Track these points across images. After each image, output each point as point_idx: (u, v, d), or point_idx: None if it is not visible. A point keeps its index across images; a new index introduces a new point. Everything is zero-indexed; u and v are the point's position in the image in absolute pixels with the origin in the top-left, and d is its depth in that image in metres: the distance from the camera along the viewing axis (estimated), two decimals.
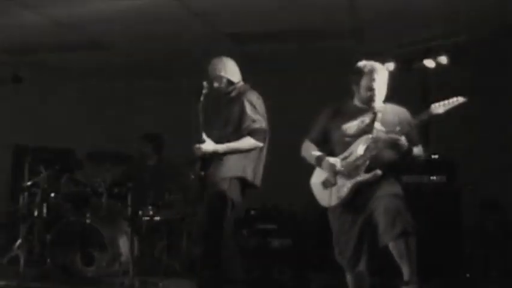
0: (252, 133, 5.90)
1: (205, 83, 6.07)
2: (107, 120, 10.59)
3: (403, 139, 5.06)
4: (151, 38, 8.44)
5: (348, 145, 5.22)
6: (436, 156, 7.34)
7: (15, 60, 9.77)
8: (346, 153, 5.21)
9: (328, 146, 5.43)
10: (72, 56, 9.46)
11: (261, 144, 5.97)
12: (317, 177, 5.41)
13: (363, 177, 5.10)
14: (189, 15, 7.52)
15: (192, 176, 6.32)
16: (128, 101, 10.59)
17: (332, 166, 5.19)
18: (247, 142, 5.91)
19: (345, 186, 5.16)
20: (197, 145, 5.95)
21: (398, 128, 5.09)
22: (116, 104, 10.65)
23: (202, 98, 6.02)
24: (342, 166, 5.19)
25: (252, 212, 7.55)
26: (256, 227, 7.45)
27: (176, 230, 8.20)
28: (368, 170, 5.11)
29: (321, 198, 5.37)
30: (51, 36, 8.48)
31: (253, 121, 5.91)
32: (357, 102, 5.36)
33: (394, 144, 5.10)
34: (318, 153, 5.38)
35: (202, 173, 6.04)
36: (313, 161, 5.39)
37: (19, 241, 8.30)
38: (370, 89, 5.20)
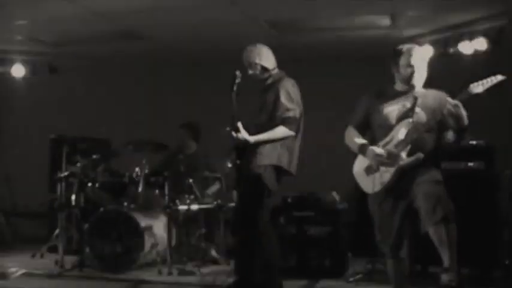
0: (284, 122, 5.89)
1: (237, 72, 6.04)
2: (144, 110, 10.61)
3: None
4: (188, 26, 8.42)
5: (389, 130, 5.16)
6: (474, 142, 7.24)
7: (51, 51, 9.81)
8: (387, 139, 5.15)
9: (370, 131, 5.38)
10: (108, 46, 9.48)
11: (293, 133, 5.96)
12: (360, 164, 5.35)
13: (405, 161, 5.05)
14: (226, 2, 7.48)
15: (229, 165, 6.31)
16: (164, 91, 10.61)
17: (377, 156, 5.12)
18: (279, 131, 5.91)
19: (387, 171, 5.10)
20: (232, 134, 5.93)
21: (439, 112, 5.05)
22: (153, 94, 10.67)
23: (235, 87, 6.00)
24: (385, 152, 5.13)
25: (289, 200, 7.52)
26: (293, 214, 7.42)
27: (213, 218, 8.27)
28: (409, 155, 5.05)
29: (364, 185, 5.31)
30: (87, 26, 8.50)
31: (287, 110, 5.90)
32: (397, 86, 5.29)
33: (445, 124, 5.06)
34: (361, 141, 5.32)
35: (238, 161, 6.02)
36: (356, 149, 5.33)
37: (57, 230, 8.39)
38: (410, 65, 5.13)
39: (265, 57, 6.14)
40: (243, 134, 5.91)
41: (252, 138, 5.91)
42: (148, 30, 8.73)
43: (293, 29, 8.53)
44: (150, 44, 9.31)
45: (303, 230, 7.31)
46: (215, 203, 8.10)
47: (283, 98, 5.90)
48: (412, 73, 5.15)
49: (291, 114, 5.90)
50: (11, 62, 10.33)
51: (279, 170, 5.97)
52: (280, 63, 6.21)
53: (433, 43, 8.26)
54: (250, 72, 6.15)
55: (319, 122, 8.53)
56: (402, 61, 5.18)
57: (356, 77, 9.23)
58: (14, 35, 9.12)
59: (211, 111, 8.98)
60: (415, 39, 7.48)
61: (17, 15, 8.12)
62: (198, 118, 9.00)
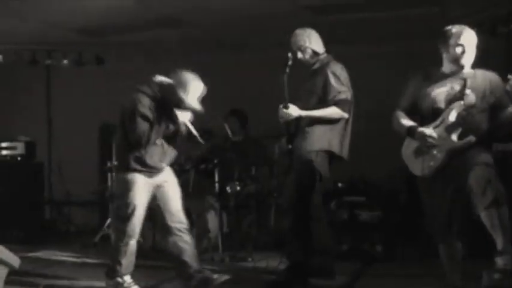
0: (338, 104, 5.93)
1: (290, 55, 6.10)
2: None
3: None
4: (230, 12, 8.47)
5: (438, 113, 5.18)
6: None
7: (97, 41, 9.96)
8: (437, 121, 5.16)
9: (419, 114, 5.39)
10: (152, 33, 9.57)
11: (346, 115, 6.00)
12: (409, 147, 5.38)
13: (456, 144, 5.06)
14: None
15: (279, 150, 6.37)
16: (211, 77, 10.67)
17: (428, 137, 5.14)
18: (333, 111, 5.94)
19: (437, 154, 5.11)
20: (282, 110, 6.00)
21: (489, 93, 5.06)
22: (202, 80, 10.73)
23: (287, 70, 6.06)
24: (435, 133, 5.15)
25: (340, 185, 7.56)
26: (344, 199, 7.46)
27: (264, 204, 8.33)
28: (460, 137, 5.07)
29: (413, 168, 5.34)
30: (131, 15, 8.60)
31: (339, 92, 5.94)
32: (445, 68, 5.30)
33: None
34: (409, 123, 5.34)
35: (289, 147, 6.08)
36: (405, 132, 5.36)
37: (109, 220, 8.53)
38: (459, 45, 5.13)
39: (315, 41, 6.19)
40: (292, 110, 5.97)
41: (303, 113, 5.96)
42: (189, 17, 8.77)
43: (330, 10, 8.52)
44: (192, 30, 9.37)
45: (355, 215, 7.34)
46: (265, 188, 8.16)
47: (333, 81, 5.94)
48: (462, 53, 5.15)
49: (343, 96, 5.95)
50: (59, 54, 10.53)
51: (330, 155, 6.03)
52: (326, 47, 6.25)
53: (481, 23, 8.19)
54: (300, 56, 6.18)
55: (367, 105, 8.55)
56: (452, 41, 5.17)
57: (400, 58, 9.20)
58: (60, 26, 9.26)
59: (256, 96, 9.07)
60: (462, 19, 7.42)
61: (63, 7, 8.26)
62: (243, 104, 9.06)
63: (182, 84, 6.04)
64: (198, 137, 6.11)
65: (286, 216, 7.06)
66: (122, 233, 5.91)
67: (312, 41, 6.16)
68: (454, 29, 5.21)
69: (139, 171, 5.83)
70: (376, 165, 8.28)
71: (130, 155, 5.82)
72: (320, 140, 5.96)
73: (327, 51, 6.25)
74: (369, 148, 8.78)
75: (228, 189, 7.86)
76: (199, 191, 8.16)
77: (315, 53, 6.17)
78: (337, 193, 7.51)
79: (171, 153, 6.12)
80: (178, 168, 8.15)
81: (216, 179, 7.83)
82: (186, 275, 6.00)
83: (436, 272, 6.14)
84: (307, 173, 5.97)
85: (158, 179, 5.97)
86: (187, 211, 7.58)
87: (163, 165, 6.03)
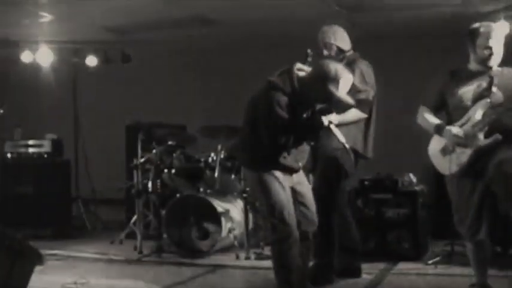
0: (357, 104, 5.80)
1: (309, 51, 6.07)
2: (218, 94, 10.74)
3: None
4: (259, 9, 8.48)
5: (465, 111, 5.15)
6: None
7: (124, 39, 10.02)
8: (463, 119, 5.14)
9: (444, 113, 5.37)
10: (180, 31, 9.62)
11: (365, 116, 6.01)
12: (435, 145, 5.36)
13: (483, 142, 5.03)
14: None
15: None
16: (238, 74, 10.70)
17: (455, 137, 5.11)
18: (352, 113, 5.91)
19: (464, 152, 5.09)
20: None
21: None
22: (227, 78, 10.78)
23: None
24: (462, 132, 5.12)
25: (366, 182, 7.53)
26: (370, 197, 7.44)
27: None
28: (487, 135, 5.04)
29: (440, 166, 5.32)
30: (158, 13, 8.64)
31: (359, 91, 5.90)
32: (472, 66, 5.27)
33: None
34: (437, 121, 5.32)
35: (314, 144, 6.08)
36: (431, 129, 5.33)
37: (135, 217, 8.59)
38: (487, 48, 5.09)
39: (341, 38, 6.19)
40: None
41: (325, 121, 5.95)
42: (220, 15, 8.82)
43: (362, 8, 8.51)
44: (222, 28, 9.41)
45: (381, 213, 7.31)
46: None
47: (356, 80, 5.85)
48: (489, 55, 5.12)
49: (363, 96, 5.92)
50: (85, 52, 10.61)
51: (355, 153, 5.97)
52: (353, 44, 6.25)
53: (509, 19, 8.12)
54: (326, 53, 6.19)
55: (395, 103, 8.54)
56: (479, 42, 5.13)
57: (428, 55, 9.18)
58: (87, 25, 9.34)
59: None
60: (489, 16, 7.36)
61: (89, 5, 8.32)
62: None
63: (331, 76, 5.14)
64: (341, 140, 5.38)
65: None
66: None
67: (337, 38, 6.17)
68: (482, 28, 5.16)
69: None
70: (403, 162, 8.27)
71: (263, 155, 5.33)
72: (345, 137, 5.93)
73: (354, 48, 6.24)
74: (396, 145, 8.78)
75: None
76: (226, 188, 8.20)
77: (341, 50, 6.16)
78: (364, 190, 7.47)
79: (307, 150, 5.62)
80: (204, 166, 8.21)
81: (242, 176, 7.85)
82: None
83: (463, 271, 6.16)
84: (332, 171, 6.01)
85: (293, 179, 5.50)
86: (213, 208, 7.64)
87: (300, 164, 5.52)
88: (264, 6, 8.40)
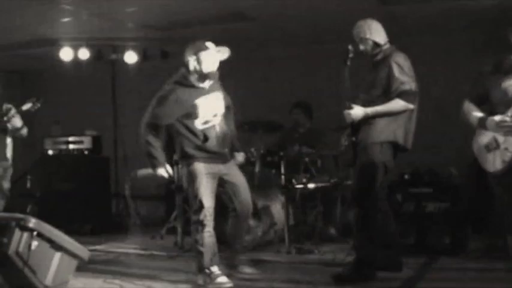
0: (402, 95, 5.92)
1: (350, 47, 6.15)
2: (258, 90, 10.79)
3: None
4: (296, 5, 8.52)
5: (508, 105, 5.17)
6: None
7: (162, 35, 10.13)
8: (508, 113, 5.14)
9: (489, 106, 5.37)
10: (218, 27, 9.67)
11: (411, 106, 5.99)
12: (479, 140, 5.37)
13: None
14: None
15: (344, 142, 6.41)
16: (276, 70, 10.75)
17: (500, 123, 5.11)
18: (397, 104, 5.93)
19: (509, 148, 5.10)
20: (346, 111, 6.06)
21: None
22: (265, 74, 10.83)
23: (348, 62, 6.12)
24: (508, 117, 5.10)
25: (406, 176, 7.54)
26: (410, 191, 7.44)
27: (330, 196, 8.39)
28: None
29: (484, 162, 5.33)
30: (196, 9, 8.73)
31: (402, 83, 5.92)
32: None
33: None
34: (479, 114, 5.33)
35: (354, 139, 6.14)
36: (475, 123, 5.34)
37: (175, 212, 8.70)
38: None
39: (376, 32, 6.20)
40: (356, 111, 6.03)
41: (369, 111, 6.00)
42: (257, 10, 8.85)
43: (400, 1, 8.51)
44: (260, 24, 9.44)
45: (421, 207, 7.31)
46: (332, 181, 8.21)
47: (396, 72, 5.93)
48: None
49: (407, 87, 5.92)
50: (124, 49, 10.76)
51: (395, 146, 6.06)
52: (388, 37, 6.27)
53: None
54: (362, 47, 6.22)
55: (435, 96, 8.55)
56: None
57: (469, 47, 9.15)
58: (125, 22, 9.45)
59: (324, 88, 9.13)
60: None
61: (127, 2, 8.43)
62: (311, 96, 9.13)
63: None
64: None
65: (351, 208, 7.13)
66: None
67: (373, 32, 6.18)
68: None
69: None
70: (444, 156, 8.27)
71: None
72: (384, 131, 5.99)
73: (391, 41, 6.29)
74: (436, 138, 8.77)
75: (294, 181, 7.92)
76: (266, 183, 8.28)
77: (377, 44, 6.17)
78: (403, 185, 7.49)
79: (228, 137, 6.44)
80: (244, 161, 8.29)
81: (282, 171, 7.90)
82: None
83: (505, 266, 6.17)
84: (372, 165, 6.02)
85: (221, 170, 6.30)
86: (254, 203, 7.72)
87: (225, 150, 6.37)
88: (301, 2, 8.43)
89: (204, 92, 6.31)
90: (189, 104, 6.18)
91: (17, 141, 8.45)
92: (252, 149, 8.19)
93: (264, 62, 10.92)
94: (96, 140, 10.06)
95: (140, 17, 9.15)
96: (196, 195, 6.10)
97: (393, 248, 6.21)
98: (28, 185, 10.67)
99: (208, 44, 6.35)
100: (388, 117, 5.99)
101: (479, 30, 8.94)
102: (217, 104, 6.39)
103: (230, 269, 6.51)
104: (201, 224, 6.09)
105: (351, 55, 6.12)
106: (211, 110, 6.29)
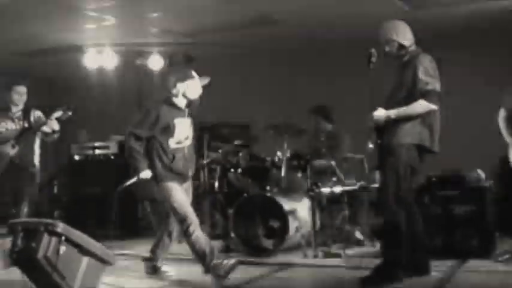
0: (425, 95, 5.93)
1: (373, 50, 6.17)
2: (283, 94, 10.82)
3: None
4: (322, 9, 8.53)
5: None
6: None
7: (186, 41, 10.20)
8: None
9: None
10: (242, 32, 9.71)
11: (434, 107, 5.99)
12: None
13: None
14: None
15: (370, 145, 6.41)
16: (301, 74, 10.76)
17: None
18: (420, 105, 5.95)
19: None
20: (369, 114, 6.09)
21: None
22: (291, 77, 10.86)
23: (371, 66, 6.14)
24: None
25: (433, 179, 7.52)
26: (437, 193, 7.41)
27: (356, 200, 8.40)
28: None
29: None
30: (221, 14, 8.77)
31: (426, 83, 5.94)
32: None
33: None
34: None
35: (379, 141, 6.15)
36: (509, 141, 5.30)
37: (202, 216, 8.73)
38: None
39: (402, 34, 6.21)
40: (379, 112, 6.06)
41: (392, 113, 6.02)
42: (281, 14, 8.87)
43: (425, 3, 8.51)
44: (285, 28, 9.46)
45: (448, 210, 7.28)
46: (358, 184, 8.20)
47: (421, 73, 5.95)
48: None
49: (430, 87, 5.94)
50: (148, 54, 10.83)
51: (421, 149, 6.07)
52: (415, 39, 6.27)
53: None
54: (387, 49, 6.24)
55: (461, 98, 8.53)
56: None
57: (497, 50, 9.12)
58: (150, 27, 9.53)
59: (349, 91, 9.13)
60: None
61: (151, 8, 8.50)
62: (334, 99, 9.12)
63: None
64: None
65: (378, 211, 7.12)
66: None
67: (399, 34, 6.20)
68: None
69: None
70: (471, 158, 8.23)
71: None
72: (410, 133, 6.00)
73: (417, 43, 6.29)
74: (463, 140, 8.74)
75: (320, 184, 7.93)
76: (292, 187, 8.27)
77: (402, 46, 6.19)
78: (431, 187, 7.46)
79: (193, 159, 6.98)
80: (270, 165, 8.32)
81: (308, 174, 7.92)
82: None
83: None
84: (397, 168, 6.02)
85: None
86: (280, 207, 7.75)
87: (190, 173, 6.87)
88: (328, 5, 8.44)
89: (182, 114, 6.78)
90: (168, 121, 6.63)
91: (45, 147, 8.53)
92: (278, 153, 8.21)
93: (288, 65, 10.94)
94: (122, 145, 10.12)
95: (165, 22, 9.22)
96: (176, 208, 6.55)
97: (421, 250, 6.21)
98: (55, 190, 10.79)
99: (194, 73, 6.86)
100: (414, 119, 6.00)
101: (507, 32, 8.90)
102: (190, 129, 6.86)
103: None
104: (190, 230, 6.49)
105: (373, 58, 6.14)
106: (184, 132, 6.75)
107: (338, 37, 9.86)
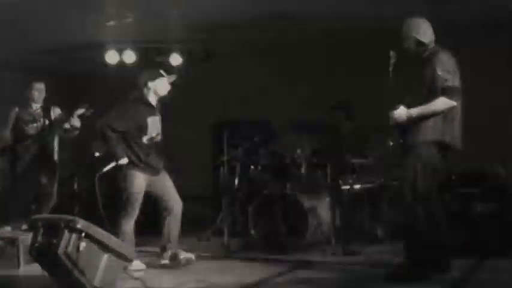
0: (444, 92, 5.94)
1: (392, 53, 6.23)
2: (303, 91, 10.82)
3: None
4: (343, 5, 8.53)
5: None
6: None
7: (206, 37, 10.24)
8: None
9: None
10: (262, 28, 9.72)
11: (454, 103, 5.99)
12: None
13: None
14: None
15: (391, 142, 6.42)
16: (322, 71, 10.76)
17: None
18: (440, 102, 5.96)
19: None
20: (391, 112, 6.10)
21: None
22: (311, 74, 10.86)
23: (391, 68, 6.19)
24: None
25: (454, 176, 7.50)
26: (458, 191, 7.39)
27: (376, 197, 8.42)
28: None
29: None
30: (240, 10, 8.81)
31: (445, 80, 5.96)
32: None
33: None
34: None
35: (401, 140, 6.16)
36: None
37: (222, 214, 8.77)
38: None
39: (422, 31, 6.24)
40: (400, 111, 6.07)
41: (413, 111, 6.04)
42: (301, 11, 8.89)
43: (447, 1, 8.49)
44: (305, 24, 9.46)
45: (469, 207, 7.26)
46: (379, 181, 8.20)
47: (439, 70, 5.97)
48: None
49: (449, 84, 5.96)
50: (168, 51, 10.87)
51: (443, 146, 6.07)
52: (436, 36, 6.28)
53: None
54: (405, 45, 6.28)
55: (484, 95, 8.51)
56: None
57: None
58: (169, 24, 9.56)
59: (370, 88, 9.12)
60: None
61: (171, 4, 8.53)
62: (356, 96, 9.12)
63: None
64: None
65: (399, 209, 7.11)
66: None
67: (419, 31, 6.22)
68: None
69: None
70: (493, 155, 8.22)
71: None
72: (432, 131, 6.01)
73: (437, 40, 6.29)
74: (484, 137, 8.72)
75: (340, 182, 7.94)
76: (312, 184, 8.31)
77: (422, 43, 6.22)
78: (451, 185, 7.45)
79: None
80: (290, 162, 8.34)
81: (329, 172, 7.94)
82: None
83: None
84: (419, 166, 6.02)
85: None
86: (300, 205, 7.76)
87: (160, 166, 7.41)
88: (348, 2, 8.44)
89: (154, 112, 7.33)
90: (142, 119, 7.17)
91: (64, 144, 8.60)
92: (298, 151, 8.22)
93: (309, 62, 10.94)
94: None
95: (184, 19, 9.23)
96: (132, 194, 7.13)
97: (443, 248, 6.19)
98: (75, 186, 10.84)
99: (163, 71, 7.42)
100: (435, 117, 6.01)
101: None
102: (159, 125, 7.40)
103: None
104: (124, 221, 7.09)
105: (393, 60, 6.18)
106: (156, 129, 7.30)
107: (359, 33, 9.85)
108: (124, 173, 7.12)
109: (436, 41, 6.29)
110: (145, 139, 7.18)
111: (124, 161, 7.02)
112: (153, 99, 7.34)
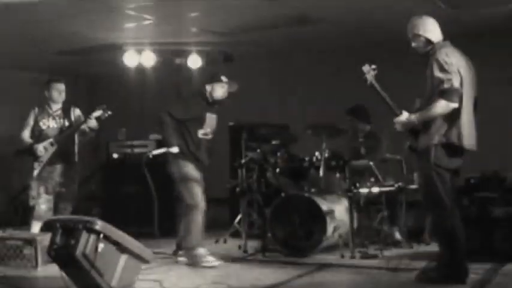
0: (442, 94, 5.88)
1: (364, 67, 6.58)
2: (322, 94, 10.83)
3: None
4: (360, 8, 8.55)
5: None
6: None
7: (225, 40, 10.30)
8: None
9: None
10: (281, 31, 9.75)
11: (454, 105, 5.92)
12: None
13: None
14: None
15: (406, 146, 6.44)
16: (341, 74, 10.78)
17: None
18: (439, 105, 5.91)
19: None
20: (394, 119, 6.15)
21: None
22: (330, 77, 10.87)
23: (368, 82, 6.42)
24: None
25: (472, 180, 7.49)
26: (476, 195, 7.38)
27: (395, 200, 8.39)
28: None
29: None
30: (259, 13, 8.85)
31: (442, 82, 5.89)
32: None
33: None
34: None
35: (410, 144, 6.18)
36: None
37: (240, 216, 8.81)
38: None
39: (430, 30, 6.19)
40: (402, 117, 6.11)
41: (413, 118, 6.06)
42: (320, 14, 8.90)
43: (466, 4, 8.49)
44: (324, 27, 9.49)
45: (487, 211, 7.24)
46: (396, 185, 8.21)
47: (436, 71, 5.92)
48: None
49: (446, 86, 5.88)
50: (187, 54, 10.93)
51: (451, 147, 6.02)
52: (454, 39, 6.24)
53: None
54: (413, 44, 6.27)
55: (500, 98, 8.49)
56: None
57: None
58: (188, 26, 9.61)
59: (387, 91, 9.12)
60: None
61: (190, 7, 8.58)
62: (374, 100, 9.08)
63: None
64: None
65: (417, 213, 7.12)
66: None
67: (426, 30, 6.18)
68: None
69: None
70: (510, 159, 8.20)
71: None
72: (437, 133, 5.98)
73: (445, 39, 6.25)
74: (503, 141, 8.70)
75: (358, 185, 7.96)
76: (330, 187, 8.34)
77: (429, 42, 6.17)
78: (469, 189, 7.43)
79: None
80: (308, 165, 8.35)
81: (347, 175, 7.96)
82: None
83: None
84: (427, 169, 6.04)
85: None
86: (318, 207, 7.78)
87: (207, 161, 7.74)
88: (365, 5, 8.45)
89: (212, 110, 7.75)
90: (201, 113, 7.61)
91: (83, 145, 8.67)
92: (317, 153, 8.24)
93: (328, 65, 10.96)
94: (160, 144, 10.20)
95: (203, 21, 9.29)
96: (189, 186, 7.55)
97: (459, 252, 6.12)
98: (93, 187, 10.92)
99: (223, 77, 7.76)
100: (440, 119, 5.98)
101: None
102: (215, 123, 7.78)
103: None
104: (192, 213, 7.50)
105: (367, 76, 6.45)
106: (211, 126, 7.72)
107: (376, 36, 9.86)
108: (172, 162, 7.56)
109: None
110: (200, 133, 7.56)
111: (175, 149, 7.35)
112: (210, 99, 7.71)
